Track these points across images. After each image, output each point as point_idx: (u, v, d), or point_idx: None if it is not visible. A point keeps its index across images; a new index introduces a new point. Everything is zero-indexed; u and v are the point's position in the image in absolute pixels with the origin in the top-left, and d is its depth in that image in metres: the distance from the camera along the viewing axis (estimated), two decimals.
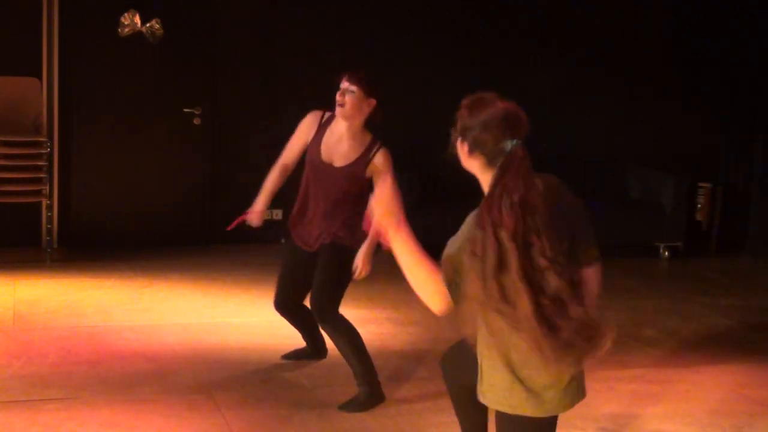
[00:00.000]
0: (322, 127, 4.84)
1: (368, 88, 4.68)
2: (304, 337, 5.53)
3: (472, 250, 2.72)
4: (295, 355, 5.57)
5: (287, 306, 5.25)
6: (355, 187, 4.79)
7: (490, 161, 2.85)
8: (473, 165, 2.91)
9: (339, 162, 4.78)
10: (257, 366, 5.45)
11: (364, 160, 4.76)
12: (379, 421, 4.71)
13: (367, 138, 4.78)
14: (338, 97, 4.70)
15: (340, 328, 4.87)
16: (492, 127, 2.84)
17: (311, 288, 4.94)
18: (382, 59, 8.28)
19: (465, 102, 2.93)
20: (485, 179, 2.88)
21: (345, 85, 4.70)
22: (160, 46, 7.93)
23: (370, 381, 4.88)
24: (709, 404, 5.08)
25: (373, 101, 4.70)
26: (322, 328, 5.02)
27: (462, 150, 2.91)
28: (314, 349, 5.55)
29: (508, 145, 2.81)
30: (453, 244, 2.83)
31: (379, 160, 4.75)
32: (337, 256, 4.85)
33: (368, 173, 4.78)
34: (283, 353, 5.62)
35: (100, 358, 5.49)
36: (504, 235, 2.69)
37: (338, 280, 4.86)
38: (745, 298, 7.56)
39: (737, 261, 8.92)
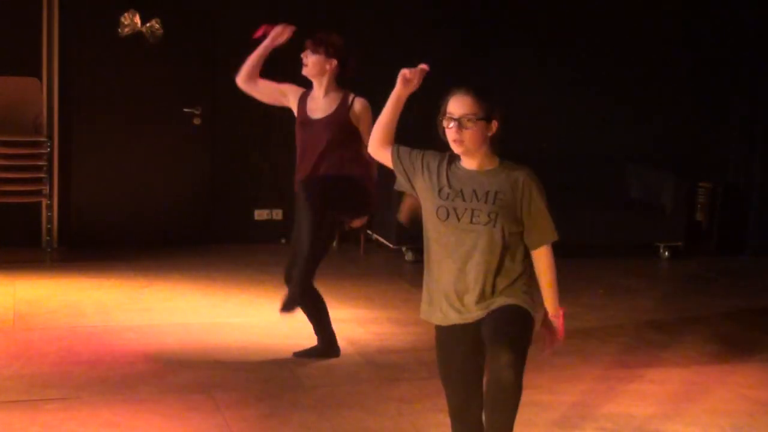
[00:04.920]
0: (304, 95, 5.42)
1: (327, 51, 5.29)
2: (314, 327, 5.57)
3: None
4: (306, 354, 5.57)
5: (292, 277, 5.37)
6: (338, 137, 5.26)
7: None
8: (488, 138, 3.60)
9: (320, 114, 5.33)
10: (257, 366, 5.45)
11: (343, 108, 5.29)
12: (379, 421, 4.70)
13: (340, 92, 5.35)
14: (303, 58, 5.33)
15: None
16: None
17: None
18: (382, 59, 8.24)
19: (480, 90, 3.63)
20: (483, 148, 3.62)
21: (308, 51, 5.33)
22: (160, 46, 7.93)
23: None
24: (709, 404, 5.08)
25: (335, 61, 5.30)
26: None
27: (489, 128, 3.60)
28: (326, 345, 5.58)
29: None
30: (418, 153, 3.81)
31: (358, 106, 5.30)
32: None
33: (353, 120, 5.28)
34: (282, 353, 5.61)
35: (100, 358, 5.48)
36: None
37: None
38: (745, 298, 7.55)
39: (737, 261, 8.91)
